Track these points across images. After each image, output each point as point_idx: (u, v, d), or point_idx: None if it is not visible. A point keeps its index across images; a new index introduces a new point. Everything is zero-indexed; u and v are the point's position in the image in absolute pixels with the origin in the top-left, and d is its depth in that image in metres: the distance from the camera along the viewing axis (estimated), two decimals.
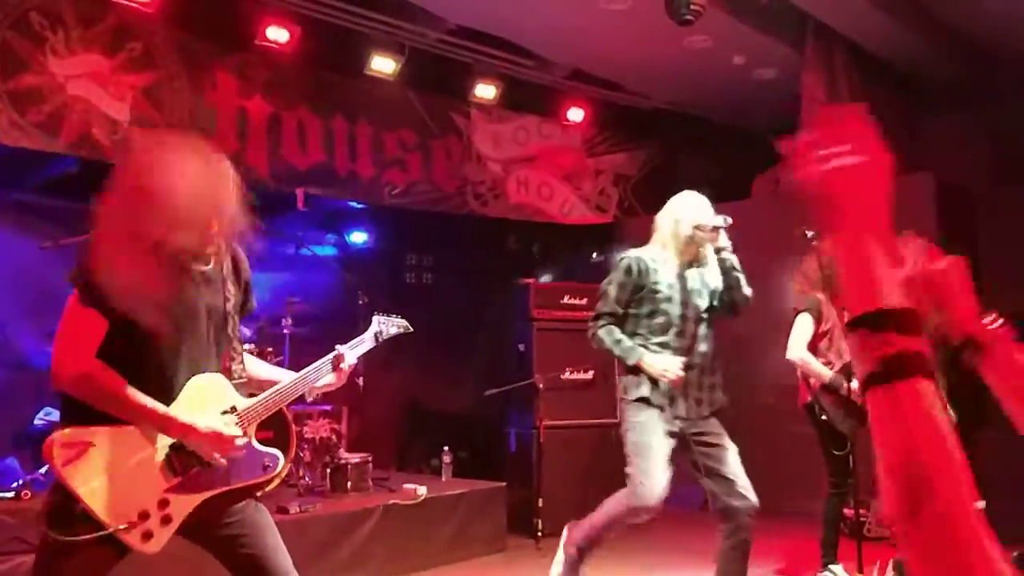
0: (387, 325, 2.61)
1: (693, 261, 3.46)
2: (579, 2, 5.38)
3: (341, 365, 2.39)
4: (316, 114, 5.92)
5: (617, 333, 3.40)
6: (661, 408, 3.31)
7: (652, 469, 3.23)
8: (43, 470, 4.29)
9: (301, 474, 4.87)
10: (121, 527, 1.93)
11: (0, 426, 4.79)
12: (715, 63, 6.13)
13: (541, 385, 5.39)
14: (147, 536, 1.98)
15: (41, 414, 4.62)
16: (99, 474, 1.93)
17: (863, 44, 6.02)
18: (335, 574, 4.13)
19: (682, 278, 3.43)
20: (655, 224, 3.54)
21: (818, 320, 4.15)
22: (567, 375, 5.66)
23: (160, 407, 2.01)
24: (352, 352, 2.44)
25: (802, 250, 4.21)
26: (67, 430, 1.95)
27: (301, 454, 4.93)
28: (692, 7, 4.87)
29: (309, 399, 2.51)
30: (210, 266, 2.19)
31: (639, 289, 3.40)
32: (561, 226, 7.16)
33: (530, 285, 5.89)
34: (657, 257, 3.44)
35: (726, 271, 3.39)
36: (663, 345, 3.35)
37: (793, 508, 5.18)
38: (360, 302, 5.40)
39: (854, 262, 0.83)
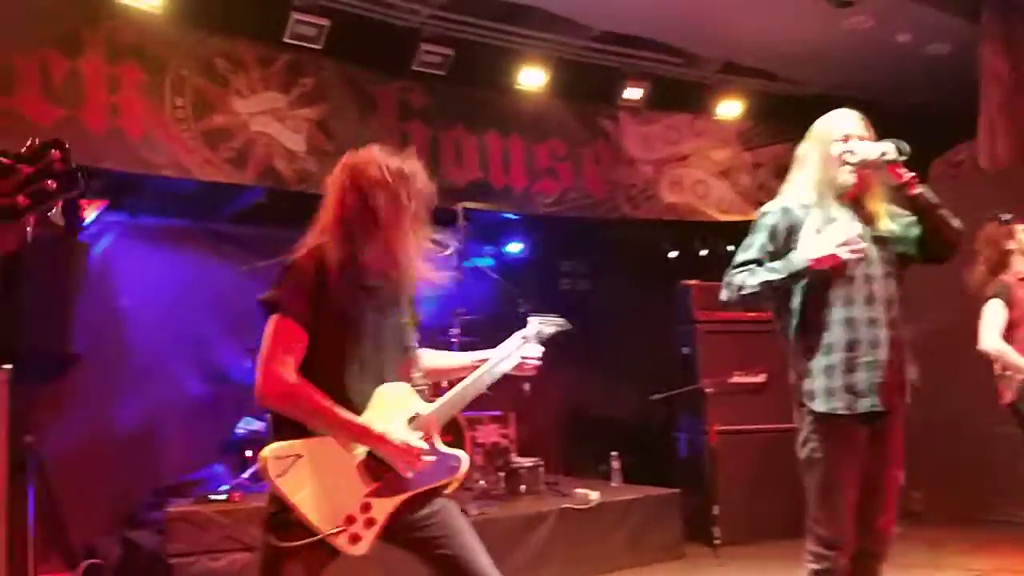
0: (545, 325, 2.53)
1: (858, 203, 2.62)
2: None
3: (527, 356, 2.39)
4: (471, 132, 6.12)
5: (756, 269, 2.56)
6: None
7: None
8: (246, 474, 4.69)
9: (476, 478, 5.03)
10: (331, 531, 2.05)
11: (207, 435, 5.29)
12: (878, 43, 5.84)
13: (709, 390, 5.29)
14: (355, 539, 2.09)
15: (242, 424, 5.05)
16: (308, 483, 2.05)
17: None
18: (515, 575, 4.25)
19: (851, 227, 2.53)
20: (796, 159, 2.74)
21: (1010, 304, 3.80)
22: (736, 379, 5.50)
23: (355, 419, 2.11)
24: (535, 341, 2.43)
25: (989, 235, 3.91)
26: (276, 444, 2.07)
27: (474, 458, 5.10)
28: None
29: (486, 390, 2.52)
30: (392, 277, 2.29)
31: (791, 251, 2.55)
32: (719, 224, 7.00)
33: (691, 287, 5.80)
34: (811, 205, 2.59)
35: (921, 209, 2.56)
36: (849, 322, 2.51)
37: (1003, 517, 4.81)
38: (520, 310, 5.53)
39: None
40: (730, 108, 6.93)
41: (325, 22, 5.20)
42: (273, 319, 2.10)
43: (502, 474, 4.98)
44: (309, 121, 5.38)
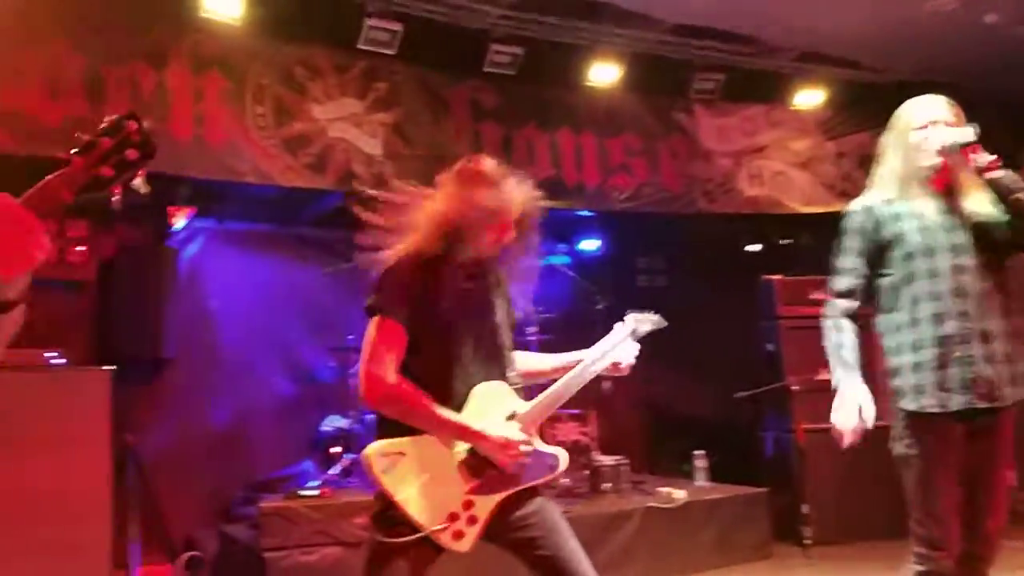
0: (641, 322, 2.53)
1: (947, 192, 2.55)
2: None
3: (623, 353, 2.40)
4: (543, 130, 6.11)
5: (842, 335, 2.59)
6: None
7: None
8: (334, 470, 4.80)
9: (559, 476, 5.00)
10: (435, 528, 2.08)
11: (294, 433, 5.44)
12: (964, 25, 5.59)
13: (795, 387, 5.16)
14: (458, 536, 2.12)
15: (327, 421, 5.17)
16: (412, 481, 2.08)
17: None
18: (600, 574, 4.20)
19: (939, 217, 2.52)
20: (879, 151, 2.69)
21: None
22: (822, 376, 5.33)
23: (455, 417, 2.13)
24: (631, 339, 2.43)
25: None
26: (380, 443, 2.11)
27: None
28: None
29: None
30: (487, 276, 2.32)
31: (882, 250, 2.55)
32: (801, 216, 6.82)
33: (774, 282, 5.67)
34: (895, 198, 2.58)
35: (999, 193, 2.44)
36: (937, 316, 2.44)
37: None
38: (598, 307, 5.50)
39: None
40: (809, 97, 6.74)
41: (398, 27, 5.27)
42: (374, 321, 2.15)
43: (585, 472, 4.95)
44: (384, 125, 5.45)
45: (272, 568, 3.95)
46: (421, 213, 2.26)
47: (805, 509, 4.96)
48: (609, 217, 6.77)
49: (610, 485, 4.88)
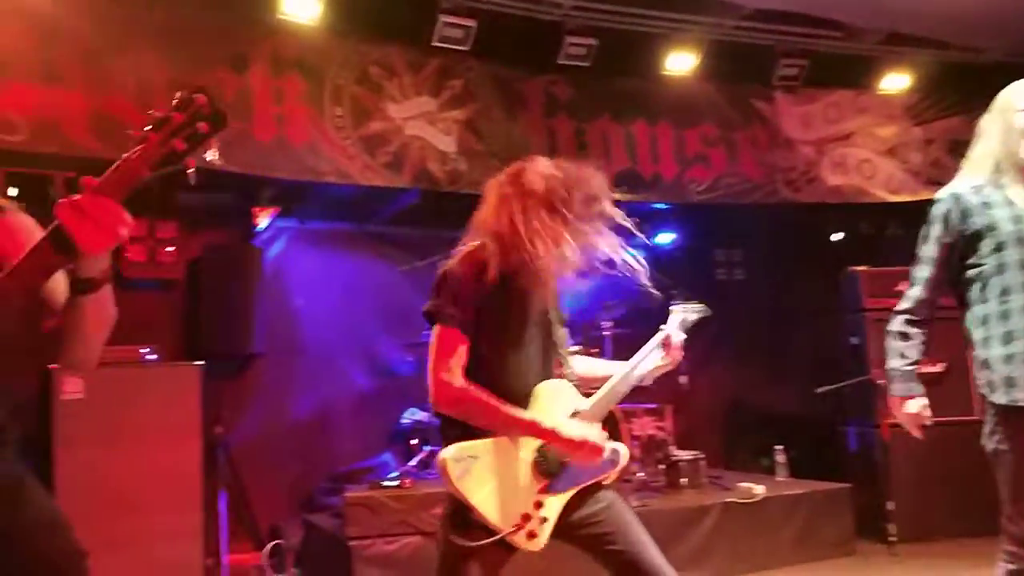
0: (688, 313, 2.54)
1: None
2: None
3: (671, 345, 2.39)
4: (617, 122, 6.06)
5: (908, 342, 2.54)
6: None
7: None
8: (413, 462, 4.89)
9: (634, 470, 4.99)
10: (510, 530, 2.09)
11: (374, 425, 5.57)
12: None
13: (880, 381, 4.99)
14: (531, 536, 2.13)
15: (406, 414, 5.28)
16: (485, 483, 2.10)
17: None
18: (678, 569, 4.16)
19: None
20: (977, 133, 2.59)
21: None
22: None
23: (526, 415, 2.14)
24: (678, 331, 2.43)
25: None
26: (455, 447, 2.12)
27: (631, 450, 5.06)
28: None
29: (648, 383, 2.52)
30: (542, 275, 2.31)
31: (970, 240, 2.45)
32: (888, 205, 6.57)
33: (859, 273, 5.49)
34: (985, 184, 2.48)
35: None
36: None
37: None
38: (675, 303, 5.42)
39: None
40: (896, 81, 6.48)
41: (471, 23, 5.30)
42: (436, 329, 2.18)
43: (662, 467, 4.91)
44: (459, 122, 5.50)
45: (357, 556, 4.06)
46: (479, 215, 2.28)
47: (890, 506, 4.81)
48: (685, 209, 6.66)
49: (687, 480, 4.82)
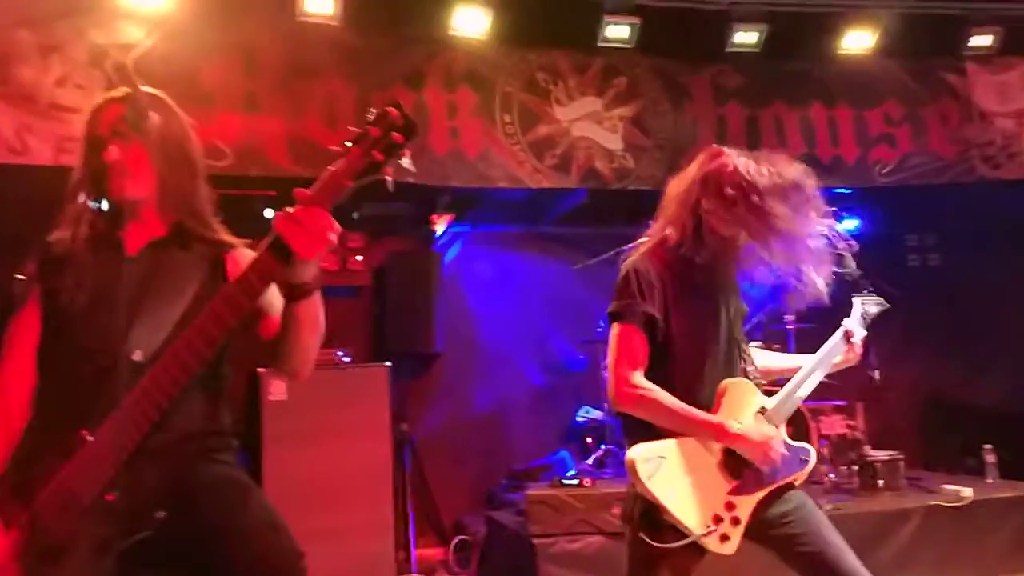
0: (868, 305, 2.49)
1: None
2: None
3: (852, 339, 2.34)
4: (792, 107, 5.83)
5: None
6: None
7: None
8: (589, 460, 4.93)
9: (823, 471, 4.77)
10: (702, 532, 2.06)
11: (550, 423, 5.68)
12: None
13: None
14: (724, 538, 2.09)
15: (580, 412, 5.33)
16: (675, 484, 2.07)
17: None
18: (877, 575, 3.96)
19: None
20: None
21: None
22: None
23: (711, 417, 2.12)
24: (859, 325, 2.38)
25: None
26: (641, 447, 2.10)
27: (821, 451, 4.84)
28: None
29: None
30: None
31: None
32: None
33: None
34: None
35: None
36: None
37: None
38: (865, 292, 5.13)
39: None
40: None
41: (636, 20, 5.28)
42: (615, 328, 2.18)
43: (855, 467, 4.66)
44: (624, 119, 5.49)
45: (542, 554, 4.11)
46: (665, 208, 2.27)
47: None
48: (869, 193, 6.29)
49: (883, 482, 4.54)
